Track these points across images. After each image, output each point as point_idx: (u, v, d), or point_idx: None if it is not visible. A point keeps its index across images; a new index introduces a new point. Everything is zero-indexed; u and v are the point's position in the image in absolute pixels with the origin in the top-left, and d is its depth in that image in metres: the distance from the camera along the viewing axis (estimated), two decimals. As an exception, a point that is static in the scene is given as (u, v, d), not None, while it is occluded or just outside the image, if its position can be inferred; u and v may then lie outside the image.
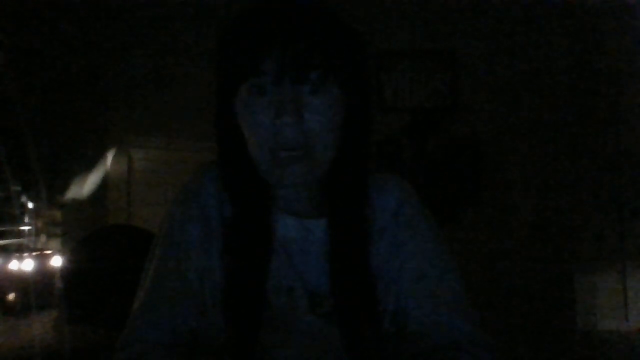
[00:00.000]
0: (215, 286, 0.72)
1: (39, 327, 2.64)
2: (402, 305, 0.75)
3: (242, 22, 0.70)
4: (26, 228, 3.18)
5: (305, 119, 0.66)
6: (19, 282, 2.87)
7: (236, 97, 0.70)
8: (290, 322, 0.72)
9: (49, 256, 3.02)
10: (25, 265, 2.90)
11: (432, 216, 0.81)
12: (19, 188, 3.12)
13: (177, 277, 0.72)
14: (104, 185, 3.43)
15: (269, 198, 0.75)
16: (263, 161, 0.69)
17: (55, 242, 3.24)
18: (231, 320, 0.70)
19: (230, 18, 0.72)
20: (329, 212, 0.75)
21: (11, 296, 2.87)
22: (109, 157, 3.44)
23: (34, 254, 2.98)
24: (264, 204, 0.75)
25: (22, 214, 3.15)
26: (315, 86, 0.67)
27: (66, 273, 2.83)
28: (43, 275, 2.94)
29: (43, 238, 3.23)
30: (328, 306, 0.73)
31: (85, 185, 3.37)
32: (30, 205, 3.18)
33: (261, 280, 0.72)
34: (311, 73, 0.66)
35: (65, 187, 3.31)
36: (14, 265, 2.90)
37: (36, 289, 2.84)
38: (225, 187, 0.75)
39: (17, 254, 2.95)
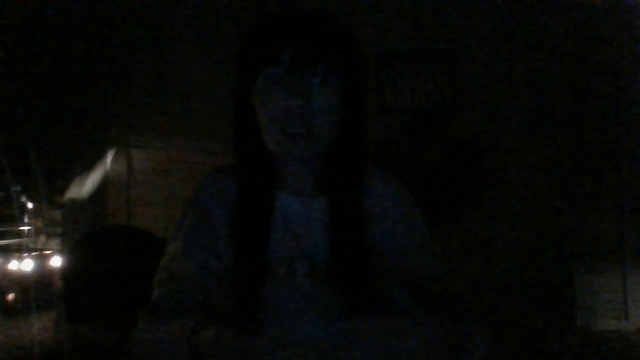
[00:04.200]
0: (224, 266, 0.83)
1: (39, 327, 2.64)
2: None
3: (263, 22, 0.84)
4: (26, 228, 3.18)
5: (311, 103, 0.79)
6: (19, 282, 2.87)
7: (254, 85, 0.82)
8: (289, 285, 0.80)
9: (48, 256, 3.02)
10: (25, 265, 2.90)
11: (421, 210, 0.94)
12: (18, 188, 3.12)
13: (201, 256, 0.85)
14: (104, 185, 3.43)
15: (274, 178, 0.87)
16: (273, 137, 0.81)
17: (55, 242, 3.24)
18: (237, 291, 0.81)
19: (232, 19, 0.81)
20: (329, 190, 0.86)
21: (11, 296, 2.87)
22: (109, 157, 3.44)
23: (33, 254, 2.99)
24: (269, 182, 0.86)
25: (22, 214, 3.16)
26: (321, 78, 0.80)
27: (66, 273, 2.83)
28: (43, 275, 2.94)
29: (43, 238, 3.23)
30: (326, 273, 0.82)
31: (85, 185, 3.36)
32: (30, 205, 3.18)
33: (264, 251, 0.82)
34: (318, 66, 0.79)
35: (65, 187, 3.31)
36: (13, 265, 2.90)
37: (36, 289, 2.84)
38: (237, 165, 0.87)
39: (17, 254, 2.95)
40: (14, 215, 3.12)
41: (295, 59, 0.78)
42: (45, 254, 3.04)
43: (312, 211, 0.86)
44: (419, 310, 0.76)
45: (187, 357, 0.72)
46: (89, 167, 3.39)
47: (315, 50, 0.79)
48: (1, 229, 3.09)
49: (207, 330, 0.71)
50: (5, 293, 2.87)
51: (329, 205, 0.86)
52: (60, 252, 3.07)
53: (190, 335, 0.72)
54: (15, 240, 3.13)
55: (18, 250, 3.03)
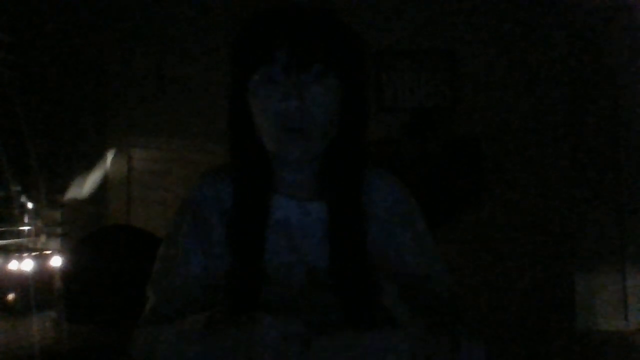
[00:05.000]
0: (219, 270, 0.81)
1: (39, 327, 2.64)
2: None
3: (258, 19, 0.80)
4: (26, 228, 3.18)
5: (307, 103, 0.76)
6: (19, 282, 2.87)
7: (249, 85, 0.79)
8: (286, 292, 0.79)
9: (48, 256, 3.02)
10: (24, 265, 2.90)
11: (422, 210, 0.92)
12: (18, 188, 3.11)
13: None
14: (104, 185, 3.43)
15: (271, 180, 0.84)
16: (270, 138, 0.79)
17: (55, 242, 3.24)
18: (233, 297, 0.78)
19: (232, 18, 0.78)
20: (327, 194, 0.83)
21: (11, 296, 2.87)
22: (109, 157, 3.44)
23: (33, 254, 2.98)
24: (266, 185, 0.83)
25: (22, 214, 3.15)
26: (318, 77, 0.77)
27: (66, 273, 2.83)
28: (43, 275, 2.94)
29: (43, 238, 3.23)
30: (324, 278, 0.80)
31: (85, 185, 3.36)
32: (30, 205, 3.18)
33: (260, 256, 0.80)
34: (314, 65, 0.76)
35: (65, 187, 3.31)
36: (13, 265, 2.89)
37: (36, 289, 2.84)
38: (234, 167, 0.84)
39: (17, 254, 2.95)
40: (14, 215, 3.12)
41: (290, 57, 0.75)
42: (45, 254, 3.03)
43: (310, 215, 0.83)
44: (406, 322, 0.73)
45: (198, 347, 0.69)
46: (89, 167, 3.39)
47: (312, 48, 0.76)
48: (1, 229, 3.09)
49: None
50: (5, 293, 2.87)
51: (327, 209, 0.83)
52: (60, 252, 3.07)
53: (208, 326, 0.69)
54: (15, 240, 3.13)
55: (18, 250, 3.03)
